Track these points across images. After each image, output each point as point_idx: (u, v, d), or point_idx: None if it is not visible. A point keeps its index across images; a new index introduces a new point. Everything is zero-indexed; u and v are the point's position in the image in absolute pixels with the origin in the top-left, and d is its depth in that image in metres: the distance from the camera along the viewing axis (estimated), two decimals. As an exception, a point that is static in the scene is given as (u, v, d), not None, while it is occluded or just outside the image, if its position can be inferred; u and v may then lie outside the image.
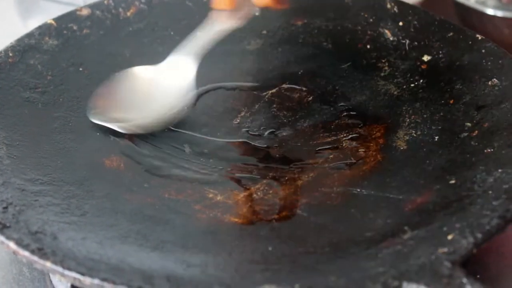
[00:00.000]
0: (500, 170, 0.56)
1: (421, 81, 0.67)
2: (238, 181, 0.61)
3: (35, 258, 0.50)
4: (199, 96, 0.68)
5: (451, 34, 0.68)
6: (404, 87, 0.67)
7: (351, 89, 0.68)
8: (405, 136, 0.63)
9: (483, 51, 0.66)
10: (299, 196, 0.59)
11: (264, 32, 0.73)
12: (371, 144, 0.63)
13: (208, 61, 0.71)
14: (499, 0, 0.77)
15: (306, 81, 0.69)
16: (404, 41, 0.70)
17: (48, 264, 0.50)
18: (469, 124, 0.61)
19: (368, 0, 0.73)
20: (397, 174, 0.60)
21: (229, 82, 0.70)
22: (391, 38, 0.71)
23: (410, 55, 0.69)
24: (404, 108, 0.66)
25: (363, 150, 0.63)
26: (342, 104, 0.67)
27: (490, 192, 0.54)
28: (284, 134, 0.65)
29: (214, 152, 0.63)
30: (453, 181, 0.57)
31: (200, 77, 0.69)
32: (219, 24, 0.66)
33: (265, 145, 0.64)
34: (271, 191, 0.59)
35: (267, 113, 0.67)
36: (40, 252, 0.51)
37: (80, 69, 0.69)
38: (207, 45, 0.66)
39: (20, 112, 0.64)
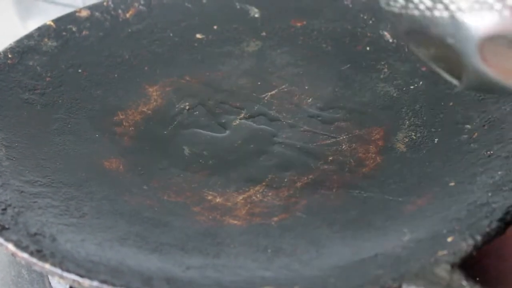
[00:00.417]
0: (499, 173, 0.56)
1: (421, 83, 0.67)
2: (237, 183, 0.60)
3: (34, 260, 0.50)
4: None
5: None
6: (404, 89, 0.67)
7: (350, 91, 0.68)
8: (404, 138, 0.63)
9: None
10: (298, 198, 0.59)
11: (263, 33, 0.73)
12: (371, 146, 0.63)
13: (207, 63, 0.71)
14: None
15: (306, 83, 0.69)
16: (403, 43, 0.70)
17: (47, 266, 0.50)
18: (468, 126, 0.61)
19: (368, 1, 0.73)
20: (396, 176, 0.60)
21: (228, 84, 0.70)
22: (390, 40, 0.71)
23: (410, 57, 0.69)
24: (403, 110, 0.66)
25: (363, 152, 0.63)
26: (341, 106, 0.67)
27: (490, 194, 0.54)
28: (284, 136, 0.65)
29: (213, 154, 0.63)
30: (452, 183, 0.57)
31: (199, 79, 0.70)
32: None
33: (265, 147, 0.64)
34: (270, 193, 0.59)
35: (267, 115, 0.67)
36: (39, 254, 0.51)
37: (79, 70, 0.69)
38: None
39: (19, 113, 0.64)
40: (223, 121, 0.66)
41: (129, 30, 0.73)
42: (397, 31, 0.50)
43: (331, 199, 0.59)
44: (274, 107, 0.67)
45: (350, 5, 0.73)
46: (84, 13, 0.72)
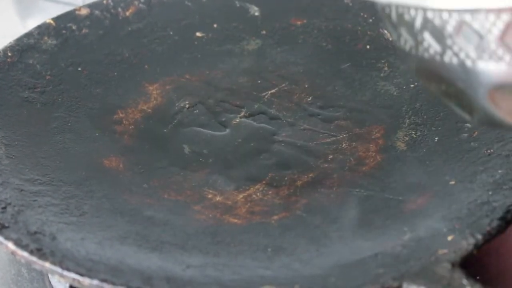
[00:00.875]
0: (500, 171, 0.56)
1: (421, 81, 0.67)
2: (237, 181, 0.60)
3: (33, 258, 0.50)
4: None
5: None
6: (404, 87, 0.67)
7: (350, 90, 0.68)
8: (405, 137, 0.63)
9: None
10: (298, 197, 0.59)
11: (264, 32, 0.73)
12: (371, 145, 0.63)
13: (207, 61, 0.71)
14: None
15: (306, 81, 0.69)
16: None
17: (47, 264, 0.50)
18: (469, 125, 0.61)
19: (368, 0, 0.72)
20: (396, 175, 0.60)
21: (228, 82, 0.70)
22: (390, 39, 0.70)
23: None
24: (404, 109, 0.65)
25: (363, 151, 0.62)
26: (341, 104, 0.67)
27: (490, 193, 0.54)
28: (284, 134, 0.65)
29: (213, 153, 0.63)
30: (453, 182, 0.57)
31: (199, 77, 0.70)
32: None
33: (265, 146, 0.64)
34: (270, 192, 0.59)
35: (267, 113, 0.67)
36: (39, 252, 0.51)
37: (79, 69, 0.69)
38: None
39: (19, 112, 0.64)
40: (223, 119, 0.66)
41: (129, 29, 0.72)
42: (407, 66, 0.50)
43: (331, 198, 0.59)
44: (274, 106, 0.67)
45: (350, 4, 0.73)
46: (84, 11, 0.72)
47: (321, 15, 0.74)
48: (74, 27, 0.71)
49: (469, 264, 0.49)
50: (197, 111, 0.67)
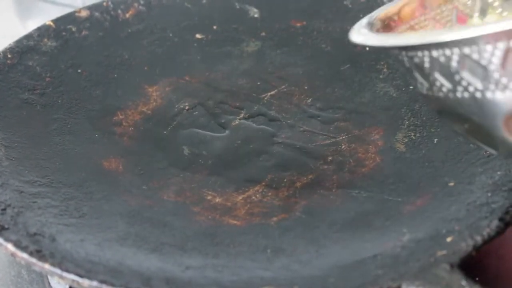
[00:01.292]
0: (499, 173, 0.56)
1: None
2: (236, 183, 0.60)
3: (33, 260, 0.50)
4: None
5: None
6: (403, 89, 0.67)
7: (350, 91, 0.68)
8: (404, 139, 0.63)
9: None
10: (298, 198, 0.59)
11: (263, 33, 0.73)
12: (370, 147, 0.63)
13: (207, 63, 0.71)
14: None
15: (305, 83, 0.69)
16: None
17: (47, 266, 0.50)
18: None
19: (367, 2, 0.73)
20: (396, 177, 0.60)
21: (227, 84, 0.70)
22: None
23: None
24: (403, 110, 0.66)
25: (362, 152, 0.63)
26: (341, 106, 0.67)
27: (489, 194, 0.54)
28: (283, 136, 0.65)
29: (213, 154, 0.63)
30: (452, 183, 0.57)
31: (199, 79, 0.70)
32: None
33: (264, 147, 0.64)
34: (269, 193, 0.59)
35: (266, 115, 0.67)
36: (39, 254, 0.51)
37: (79, 70, 0.69)
38: None
39: (19, 113, 0.64)
40: (223, 121, 0.66)
41: (129, 30, 0.73)
42: (430, 109, 0.52)
43: (330, 199, 0.59)
44: (273, 107, 0.67)
45: (350, 6, 0.73)
46: (84, 13, 0.72)
47: (321, 17, 0.74)
48: (74, 29, 0.71)
49: (468, 265, 0.49)
50: (196, 112, 0.67)
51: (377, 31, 0.51)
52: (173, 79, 0.70)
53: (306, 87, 0.69)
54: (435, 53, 0.45)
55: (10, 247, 0.51)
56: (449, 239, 0.51)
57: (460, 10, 0.55)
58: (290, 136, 0.65)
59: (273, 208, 0.58)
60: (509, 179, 0.55)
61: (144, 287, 0.49)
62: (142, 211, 0.57)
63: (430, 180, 0.58)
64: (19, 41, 0.68)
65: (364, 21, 0.52)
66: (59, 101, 0.66)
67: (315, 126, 0.65)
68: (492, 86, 0.44)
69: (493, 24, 0.42)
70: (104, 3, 0.73)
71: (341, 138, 0.64)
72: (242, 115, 0.67)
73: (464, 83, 0.45)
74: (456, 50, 0.44)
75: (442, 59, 0.45)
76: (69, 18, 0.71)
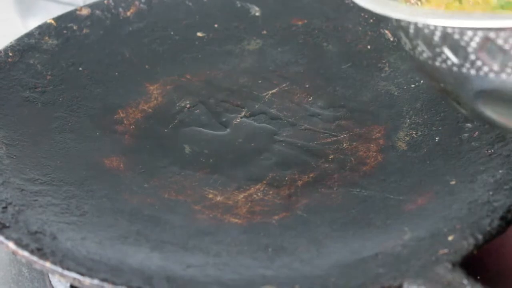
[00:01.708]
0: (500, 171, 0.56)
1: (422, 81, 0.67)
2: (238, 181, 0.60)
3: (34, 258, 0.50)
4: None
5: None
6: (405, 87, 0.67)
7: (351, 90, 0.68)
8: (405, 137, 0.63)
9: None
10: (299, 197, 0.59)
11: (264, 32, 0.73)
12: (372, 145, 0.63)
13: (208, 61, 0.71)
14: None
15: (306, 81, 0.69)
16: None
17: (48, 264, 0.50)
18: (469, 125, 0.61)
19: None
20: (397, 175, 0.60)
21: (228, 82, 0.70)
22: (391, 39, 0.70)
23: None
24: (404, 108, 0.66)
25: (363, 150, 0.63)
26: (342, 104, 0.67)
27: (491, 193, 0.54)
28: (284, 134, 0.65)
29: (214, 152, 0.63)
30: (453, 182, 0.57)
31: (200, 77, 0.70)
32: None
33: (265, 146, 0.64)
34: (271, 192, 0.59)
35: (267, 113, 0.67)
36: (40, 252, 0.51)
37: (80, 68, 0.69)
38: None
39: (20, 111, 0.64)
40: (224, 119, 0.66)
41: (130, 29, 0.72)
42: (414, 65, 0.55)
43: (331, 197, 0.59)
44: (274, 106, 0.67)
45: (351, 4, 0.73)
46: (85, 11, 0.72)
47: (322, 15, 0.74)
48: (75, 27, 0.71)
49: (469, 264, 0.49)
50: (197, 111, 0.67)
51: None
52: (174, 77, 0.70)
53: (307, 86, 0.69)
54: (420, 24, 0.47)
55: (11, 245, 0.51)
56: (450, 238, 0.51)
57: None
58: (291, 135, 0.65)
59: (274, 206, 0.58)
60: (511, 178, 0.55)
61: (145, 286, 0.49)
62: (143, 209, 0.57)
63: (432, 178, 0.58)
64: (20, 39, 0.68)
65: None
66: (60, 99, 0.66)
67: (316, 125, 0.65)
68: (467, 65, 0.46)
69: (478, 20, 0.44)
70: (105, 1, 0.73)
71: (342, 136, 0.64)
72: (243, 114, 0.67)
73: (443, 56, 0.47)
74: (439, 28, 0.46)
75: (426, 31, 0.47)
76: (70, 16, 0.71)
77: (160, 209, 0.58)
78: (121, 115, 0.66)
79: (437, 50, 0.47)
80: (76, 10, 0.72)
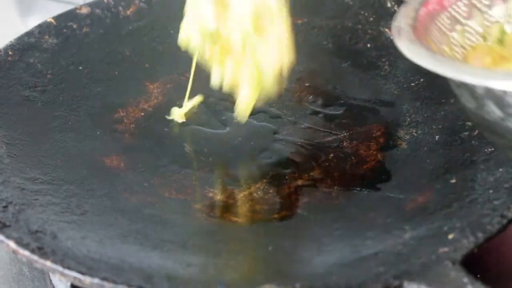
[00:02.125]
0: (501, 169, 0.56)
1: (422, 80, 0.67)
2: (238, 180, 0.60)
3: (35, 257, 0.50)
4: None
5: (451, 33, 0.68)
6: (405, 86, 0.67)
7: (351, 88, 0.68)
8: (405, 135, 0.63)
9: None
10: (299, 196, 0.59)
11: (264, 30, 0.73)
12: (372, 143, 0.63)
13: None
14: None
15: (307, 80, 0.69)
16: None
17: (48, 263, 0.50)
18: (469, 123, 0.61)
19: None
20: (397, 174, 0.60)
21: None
22: (391, 37, 0.70)
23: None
24: (404, 107, 0.66)
25: (364, 149, 0.62)
26: (342, 103, 0.67)
27: (491, 191, 0.54)
28: (284, 133, 0.65)
29: (214, 151, 0.63)
30: (453, 180, 0.57)
31: (200, 77, 0.70)
32: None
33: (265, 144, 0.64)
34: (271, 190, 0.59)
35: (267, 112, 0.67)
36: (40, 251, 0.51)
37: (80, 67, 0.69)
38: None
39: (20, 111, 0.64)
40: (224, 118, 0.66)
41: (130, 27, 0.72)
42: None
43: (332, 196, 0.59)
44: (274, 104, 0.67)
45: (351, 2, 0.73)
46: (85, 10, 0.72)
47: (322, 14, 0.74)
48: (75, 26, 0.71)
49: (470, 262, 0.49)
50: (197, 109, 0.67)
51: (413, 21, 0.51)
52: (174, 76, 0.70)
53: (307, 84, 0.69)
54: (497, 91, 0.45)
55: (12, 244, 0.51)
56: (450, 236, 0.51)
57: None
58: (292, 133, 0.65)
59: (274, 205, 0.58)
60: (510, 176, 0.55)
61: (145, 285, 0.49)
62: (143, 208, 0.57)
63: (432, 177, 0.58)
64: (20, 38, 0.68)
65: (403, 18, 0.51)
66: (60, 98, 0.66)
67: (316, 123, 0.65)
68: None
69: None
70: (105, 0, 0.73)
71: (342, 135, 0.64)
72: (243, 112, 0.67)
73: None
74: None
75: (498, 92, 0.45)
76: (70, 15, 0.71)
77: (160, 208, 0.58)
78: (121, 114, 0.66)
79: (510, 110, 0.45)
80: (76, 9, 0.72)
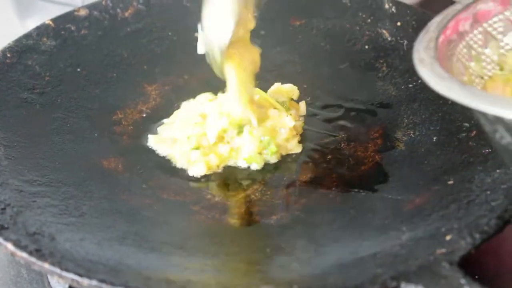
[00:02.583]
0: (498, 171, 0.56)
1: (419, 81, 0.67)
2: (236, 182, 0.60)
3: (33, 259, 0.50)
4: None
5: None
6: (403, 87, 0.67)
7: (349, 90, 0.68)
8: (403, 137, 0.63)
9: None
10: (297, 197, 0.59)
11: (263, 32, 0.73)
12: (370, 145, 0.63)
13: (206, 62, 0.71)
14: None
15: (305, 81, 0.69)
16: (402, 42, 0.70)
17: (46, 265, 0.50)
18: (467, 124, 0.61)
19: (366, 0, 0.72)
20: (395, 175, 0.60)
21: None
22: (389, 39, 0.71)
23: (408, 56, 0.68)
24: (402, 108, 0.66)
25: (362, 150, 0.63)
26: (340, 104, 0.67)
27: (488, 192, 0.54)
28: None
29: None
30: (451, 182, 0.57)
31: (198, 78, 0.70)
32: None
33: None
34: (269, 192, 0.59)
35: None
36: (38, 253, 0.51)
37: (78, 69, 0.69)
38: None
39: (18, 113, 0.64)
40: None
41: (128, 29, 0.73)
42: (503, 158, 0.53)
43: (330, 198, 0.59)
44: (273, 106, 0.67)
45: (349, 4, 0.73)
46: (83, 12, 0.72)
47: (320, 15, 0.74)
48: (73, 28, 0.71)
49: (467, 263, 0.50)
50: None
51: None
52: (172, 78, 0.70)
53: (305, 86, 0.69)
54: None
55: (10, 246, 0.51)
56: (448, 238, 0.51)
57: None
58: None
59: (272, 207, 0.58)
60: (508, 178, 0.55)
61: (143, 286, 0.49)
62: (141, 210, 0.58)
63: (429, 178, 0.58)
64: (18, 40, 0.68)
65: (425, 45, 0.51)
66: (59, 100, 0.66)
67: (314, 125, 0.65)
68: None
69: None
70: (103, 2, 0.73)
71: (340, 136, 0.64)
72: (241, 114, 0.67)
73: None
74: None
75: (506, 119, 0.45)
76: (68, 17, 0.71)
77: (158, 210, 0.58)
78: (119, 116, 0.66)
79: None
80: (74, 11, 0.72)
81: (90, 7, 0.72)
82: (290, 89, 0.66)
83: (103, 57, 0.70)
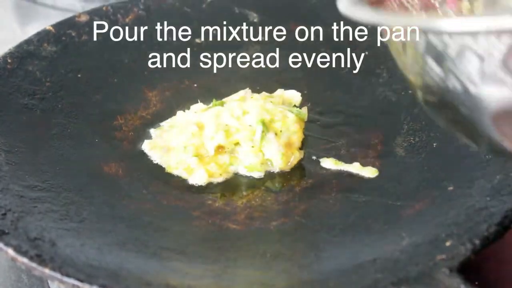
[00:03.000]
0: (498, 176, 0.56)
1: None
2: (236, 187, 0.61)
3: (33, 264, 0.50)
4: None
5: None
6: (403, 93, 0.67)
7: (349, 96, 0.69)
8: (403, 143, 0.63)
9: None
10: (297, 203, 0.59)
11: (262, 38, 0.73)
12: (370, 151, 0.63)
13: (207, 67, 0.71)
14: None
15: (305, 87, 0.69)
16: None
17: (47, 270, 0.50)
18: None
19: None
20: (395, 181, 0.60)
21: (227, 88, 0.70)
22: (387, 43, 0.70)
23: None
24: (402, 114, 0.66)
25: (362, 156, 0.63)
26: (340, 110, 0.67)
27: (488, 198, 0.54)
28: (283, 140, 0.65)
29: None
30: (451, 188, 0.57)
31: (199, 83, 0.70)
32: None
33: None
34: (269, 198, 0.59)
35: (266, 119, 0.67)
36: (39, 258, 0.51)
37: (79, 75, 0.69)
38: None
39: (19, 118, 0.64)
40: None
41: (129, 35, 0.72)
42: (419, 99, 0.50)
43: (330, 203, 0.59)
44: (273, 112, 0.67)
45: (349, 10, 0.73)
46: (84, 18, 0.72)
47: (320, 21, 0.74)
48: (73, 34, 0.71)
49: (467, 269, 0.50)
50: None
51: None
52: (173, 83, 0.70)
53: (305, 91, 0.69)
54: (433, 39, 0.43)
55: (11, 251, 0.51)
56: (448, 243, 0.51)
57: None
58: (290, 141, 0.65)
59: (272, 212, 0.58)
60: (508, 183, 0.55)
61: (144, 292, 0.49)
62: (142, 215, 0.58)
63: (429, 184, 0.59)
64: (19, 46, 0.68)
65: None
66: (59, 105, 0.66)
67: (314, 131, 0.65)
68: (488, 80, 0.42)
69: (502, 19, 0.39)
70: (104, 8, 0.73)
71: (340, 142, 0.64)
72: (241, 119, 0.67)
73: (457, 72, 0.43)
74: (457, 38, 0.42)
75: (439, 45, 0.43)
76: (69, 23, 0.72)
77: (159, 215, 0.58)
78: (120, 121, 0.66)
79: (450, 65, 0.43)
80: (75, 16, 0.72)
81: (91, 13, 0.73)
82: (293, 95, 0.66)
83: (104, 63, 0.71)
